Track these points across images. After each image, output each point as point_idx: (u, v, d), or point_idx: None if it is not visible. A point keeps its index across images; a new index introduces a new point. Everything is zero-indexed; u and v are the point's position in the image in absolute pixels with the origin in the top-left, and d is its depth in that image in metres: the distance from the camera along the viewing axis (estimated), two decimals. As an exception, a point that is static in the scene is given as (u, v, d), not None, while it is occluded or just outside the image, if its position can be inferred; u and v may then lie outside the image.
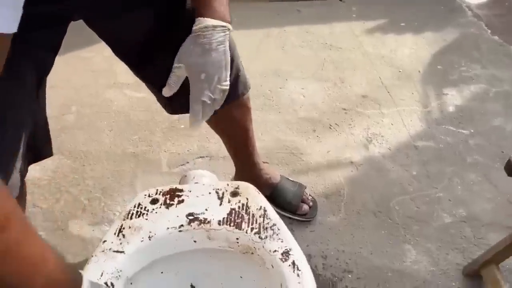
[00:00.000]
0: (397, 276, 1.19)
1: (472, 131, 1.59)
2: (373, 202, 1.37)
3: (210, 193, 0.85)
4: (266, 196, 0.88)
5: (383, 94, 1.75)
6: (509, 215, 1.32)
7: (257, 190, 0.87)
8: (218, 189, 0.86)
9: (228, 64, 0.81)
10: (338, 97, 1.74)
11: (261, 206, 0.83)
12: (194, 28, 0.77)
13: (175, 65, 0.80)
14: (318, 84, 1.80)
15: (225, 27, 0.78)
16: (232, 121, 1.10)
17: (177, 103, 1.02)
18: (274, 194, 1.30)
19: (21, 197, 0.96)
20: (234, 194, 0.85)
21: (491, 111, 1.67)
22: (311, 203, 1.33)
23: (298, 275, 0.73)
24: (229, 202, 0.84)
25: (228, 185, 0.87)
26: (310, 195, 1.36)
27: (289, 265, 0.74)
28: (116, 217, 0.83)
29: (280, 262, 0.74)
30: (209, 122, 1.18)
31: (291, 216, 1.31)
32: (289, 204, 1.30)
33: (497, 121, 1.63)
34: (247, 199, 0.84)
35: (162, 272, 0.86)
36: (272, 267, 0.76)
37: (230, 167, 1.44)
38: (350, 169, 1.47)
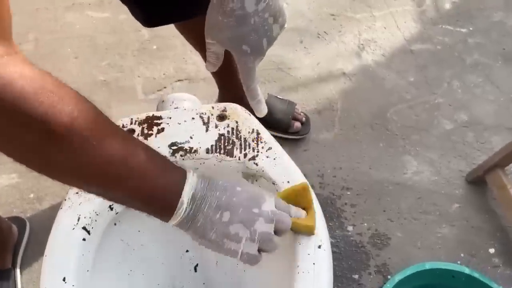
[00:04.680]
0: (398, 189, 1.14)
1: (471, 29, 1.47)
2: (369, 114, 1.28)
3: (193, 118, 0.75)
4: None
5: (373, -5, 1.59)
6: (512, 116, 1.25)
7: (247, 111, 0.76)
8: (203, 113, 0.75)
9: (281, 10, 0.58)
10: (325, 2, 1.58)
11: (253, 129, 0.73)
12: None
13: (207, 41, 0.61)
14: (302, -11, 1.62)
15: None
16: None
17: (157, 13, 0.87)
18: (262, 114, 1.20)
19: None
20: (222, 117, 0.75)
21: (490, 6, 1.54)
22: (303, 119, 1.23)
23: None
24: (216, 127, 0.73)
25: (213, 108, 0.76)
26: (302, 112, 1.26)
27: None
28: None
29: (279, 190, 0.66)
30: (189, 36, 1.03)
31: (282, 135, 1.21)
32: (279, 123, 1.21)
33: (497, 16, 1.51)
34: (236, 122, 0.74)
35: (149, 209, 0.77)
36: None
37: (212, 89, 1.32)
38: (343, 81, 1.36)
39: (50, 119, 0.38)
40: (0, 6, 0.39)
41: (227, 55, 1.08)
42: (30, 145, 0.40)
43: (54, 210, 1.14)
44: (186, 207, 0.48)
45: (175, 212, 0.48)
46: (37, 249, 1.07)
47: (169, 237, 0.80)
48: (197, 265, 0.81)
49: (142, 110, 1.29)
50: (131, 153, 0.45)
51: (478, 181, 1.12)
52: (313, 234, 0.58)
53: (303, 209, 0.59)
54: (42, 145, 0.40)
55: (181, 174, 0.49)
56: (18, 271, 1.02)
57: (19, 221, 1.08)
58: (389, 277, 1.00)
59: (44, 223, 1.11)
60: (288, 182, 0.66)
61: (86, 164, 0.42)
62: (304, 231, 0.58)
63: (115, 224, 0.72)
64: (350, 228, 1.08)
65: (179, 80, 1.40)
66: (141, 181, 0.46)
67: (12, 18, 0.42)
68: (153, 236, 0.78)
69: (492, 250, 1.04)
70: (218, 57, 0.63)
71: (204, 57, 1.09)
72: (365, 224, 1.08)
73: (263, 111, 0.64)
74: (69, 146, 0.40)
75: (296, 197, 0.59)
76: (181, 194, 0.48)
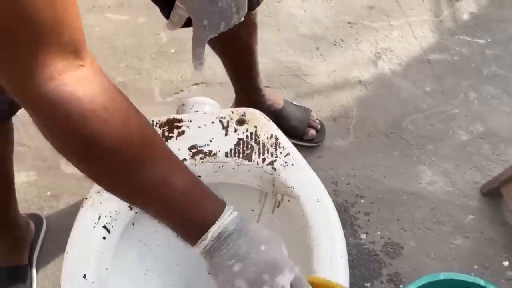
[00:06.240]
0: (412, 199, 1.13)
1: (489, 40, 1.47)
2: (385, 122, 1.28)
3: (213, 122, 0.76)
4: None
5: (391, 4, 1.59)
6: (528, 129, 1.25)
7: (266, 117, 0.77)
8: (222, 117, 0.76)
9: (244, 5, 0.67)
10: (343, 9, 1.58)
11: (272, 134, 0.74)
12: None
13: (177, 3, 0.67)
14: (319, -4, 1.63)
15: None
16: (237, 40, 0.98)
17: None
18: (278, 120, 1.20)
19: (8, 135, 0.87)
20: (241, 122, 0.76)
21: (509, 18, 1.53)
22: (318, 127, 1.24)
23: (321, 207, 0.66)
24: (235, 131, 0.74)
25: (233, 112, 0.77)
26: (317, 119, 1.26)
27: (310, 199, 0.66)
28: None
29: (297, 196, 0.67)
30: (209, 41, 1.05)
31: (297, 142, 1.22)
32: (294, 130, 1.21)
33: (516, 28, 1.50)
34: (255, 127, 0.75)
35: (166, 211, 0.78)
36: (289, 201, 0.69)
37: (227, 93, 1.33)
38: (359, 89, 1.36)
39: (94, 142, 0.41)
40: (63, 17, 0.38)
41: (250, 62, 1.09)
42: (76, 158, 0.43)
43: (70, 208, 1.16)
44: (208, 243, 0.48)
45: (197, 243, 0.48)
46: (52, 246, 1.09)
47: (184, 239, 0.81)
48: (211, 267, 0.82)
49: (159, 112, 1.31)
50: (170, 181, 0.46)
51: (493, 193, 1.11)
52: None
53: None
54: (85, 162, 0.43)
55: (218, 207, 0.49)
56: (34, 267, 1.04)
57: (36, 218, 1.10)
58: (401, 286, 1.00)
59: (60, 220, 1.13)
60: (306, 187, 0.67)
61: (124, 184, 0.45)
62: None
63: (133, 224, 0.73)
64: (363, 236, 1.08)
65: (196, 84, 1.41)
66: (172, 209, 0.48)
67: (82, 29, 0.41)
68: (169, 237, 0.78)
69: (506, 263, 1.03)
70: (181, 20, 0.69)
71: (224, 62, 1.11)
72: (378, 232, 1.08)
73: (201, 69, 0.73)
74: (111, 167, 0.43)
75: None
76: (208, 229, 0.48)
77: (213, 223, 0.48)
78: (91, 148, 0.41)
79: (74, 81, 0.39)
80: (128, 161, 0.43)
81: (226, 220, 0.48)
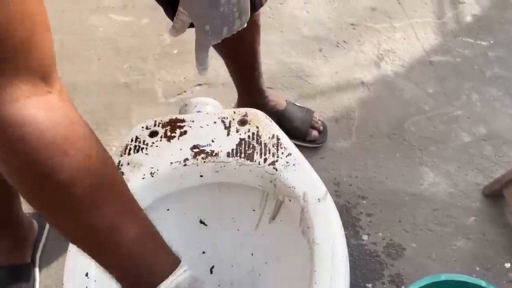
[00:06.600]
0: (414, 200, 1.14)
1: (491, 42, 1.47)
2: (387, 124, 1.28)
3: (215, 122, 0.76)
4: None
5: (394, 6, 1.59)
6: (531, 131, 1.24)
7: (268, 117, 0.78)
8: (224, 117, 0.77)
9: (247, 10, 0.67)
10: (345, 11, 1.59)
11: (273, 135, 0.74)
12: None
13: (179, 8, 0.67)
14: (322, -2, 1.64)
15: None
16: (240, 41, 0.98)
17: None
18: (280, 121, 1.21)
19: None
20: (243, 122, 0.76)
21: (512, 20, 1.53)
22: (321, 128, 1.24)
23: (321, 208, 0.66)
24: (237, 131, 0.75)
25: (235, 112, 0.77)
26: (319, 120, 1.26)
27: (311, 199, 0.66)
28: (112, 152, 0.74)
29: (298, 196, 0.67)
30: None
31: (300, 143, 1.22)
32: (297, 131, 1.22)
33: (519, 30, 1.50)
34: (257, 127, 0.75)
35: (168, 210, 0.79)
36: (290, 201, 0.69)
37: (230, 94, 1.34)
38: (361, 90, 1.36)
39: (49, 172, 0.37)
40: (36, 41, 0.37)
41: (252, 63, 1.10)
42: (27, 188, 0.40)
43: (73, 207, 1.17)
44: None
45: None
46: (55, 244, 1.10)
47: (186, 239, 0.81)
48: (213, 266, 0.82)
49: (162, 113, 1.31)
50: (123, 227, 0.43)
51: (495, 194, 1.11)
52: None
53: None
54: (37, 193, 0.39)
55: (172, 262, 0.47)
56: (37, 266, 1.04)
57: (40, 217, 1.11)
58: (402, 287, 1.00)
59: (63, 220, 1.14)
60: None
61: (73, 224, 0.42)
62: None
63: (135, 223, 0.73)
64: (365, 237, 1.08)
65: (198, 85, 1.42)
66: (121, 259, 0.44)
67: (54, 55, 0.40)
68: (170, 237, 0.79)
69: (508, 265, 1.03)
70: (183, 26, 0.69)
71: (227, 63, 1.12)
72: (380, 233, 1.09)
73: (205, 74, 0.74)
74: (62, 203, 0.40)
75: None
76: (158, 285, 0.45)
77: (165, 277, 0.45)
78: (45, 178, 0.38)
79: (37, 106, 0.37)
80: (83, 198, 0.40)
81: (179, 277, 0.46)
